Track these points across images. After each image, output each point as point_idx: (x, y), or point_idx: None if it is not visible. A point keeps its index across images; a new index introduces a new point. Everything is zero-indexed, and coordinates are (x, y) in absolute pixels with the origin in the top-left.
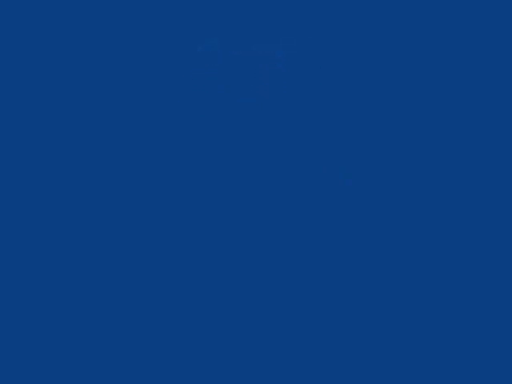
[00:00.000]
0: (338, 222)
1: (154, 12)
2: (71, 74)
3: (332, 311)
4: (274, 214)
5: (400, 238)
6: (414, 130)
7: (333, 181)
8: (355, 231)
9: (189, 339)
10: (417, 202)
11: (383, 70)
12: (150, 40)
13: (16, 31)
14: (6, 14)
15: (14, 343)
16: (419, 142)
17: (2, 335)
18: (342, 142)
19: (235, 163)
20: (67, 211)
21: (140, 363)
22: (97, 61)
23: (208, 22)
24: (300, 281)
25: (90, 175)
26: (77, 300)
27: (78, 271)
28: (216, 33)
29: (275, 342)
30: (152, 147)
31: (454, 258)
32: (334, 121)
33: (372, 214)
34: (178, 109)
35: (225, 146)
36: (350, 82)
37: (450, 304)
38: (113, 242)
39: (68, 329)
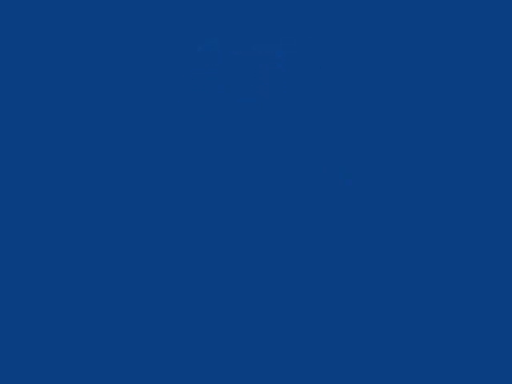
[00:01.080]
0: (337, 222)
1: (154, 12)
2: (71, 73)
3: (332, 311)
4: (274, 213)
5: (400, 237)
6: (413, 130)
7: (333, 181)
8: (355, 231)
9: (189, 339)
10: (416, 202)
11: (383, 70)
12: (150, 40)
13: (16, 31)
14: (6, 14)
15: (14, 343)
16: (419, 141)
17: (2, 335)
18: (342, 142)
19: (235, 163)
20: (67, 211)
21: (140, 363)
22: (97, 61)
23: (208, 22)
24: (300, 280)
25: (90, 175)
26: (77, 300)
27: (78, 271)
28: (216, 33)
29: (275, 341)
30: (152, 147)
31: (454, 258)
32: (334, 121)
33: (372, 213)
34: (178, 109)
35: (225, 145)
36: (349, 82)
37: (450, 304)
38: (112, 242)
39: (68, 328)
